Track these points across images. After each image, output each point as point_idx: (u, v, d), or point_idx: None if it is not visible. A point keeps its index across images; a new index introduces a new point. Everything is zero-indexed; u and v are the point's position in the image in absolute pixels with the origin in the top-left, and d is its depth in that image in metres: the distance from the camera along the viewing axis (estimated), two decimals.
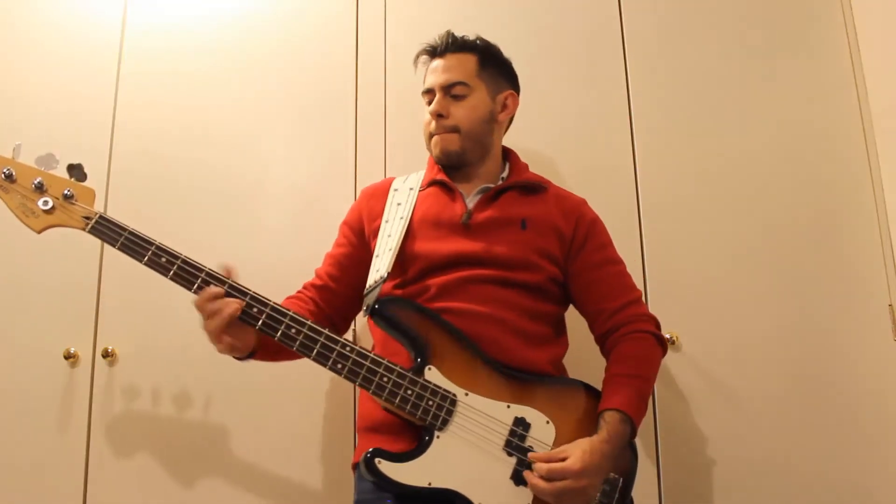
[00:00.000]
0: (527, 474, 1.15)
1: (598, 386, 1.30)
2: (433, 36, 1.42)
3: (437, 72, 1.37)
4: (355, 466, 1.28)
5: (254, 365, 1.59)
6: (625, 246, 1.69)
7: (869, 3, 1.84)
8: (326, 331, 1.17)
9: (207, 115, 1.76)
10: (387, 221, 1.36)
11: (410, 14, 1.82)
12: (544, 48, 1.82)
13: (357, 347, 1.18)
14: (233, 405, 1.60)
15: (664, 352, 1.36)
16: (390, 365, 1.17)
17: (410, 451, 1.15)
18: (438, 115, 1.35)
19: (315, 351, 1.16)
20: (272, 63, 1.79)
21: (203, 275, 1.16)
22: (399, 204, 1.37)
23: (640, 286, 1.66)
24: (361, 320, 1.54)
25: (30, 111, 1.73)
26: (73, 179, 1.22)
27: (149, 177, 1.71)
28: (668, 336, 1.63)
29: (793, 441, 1.62)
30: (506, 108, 1.42)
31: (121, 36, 1.79)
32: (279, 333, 1.15)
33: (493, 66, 1.40)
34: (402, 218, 1.34)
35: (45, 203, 1.18)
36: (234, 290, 1.16)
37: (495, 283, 1.28)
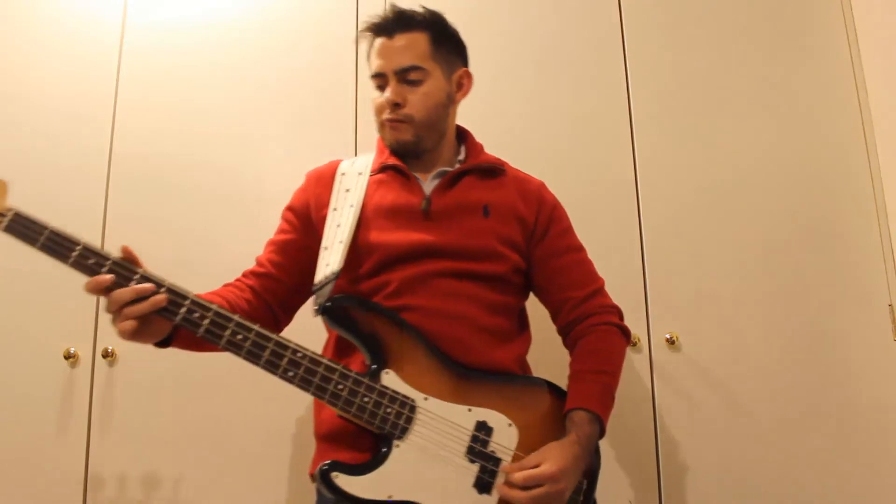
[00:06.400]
0: (500, 486, 1.10)
1: (562, 382, 1.27)
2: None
3: (387, 54, 1.25)
4: (311, 476, 1.21)
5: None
6: (625, 246, 1.70)
7: (869, 3, 1.84)
8: (276, 336, 1.08)
9: (207, 114, 1.76)
10: (335, 210, 1.25)
11: None
12: (545, 49, 1.82)
13: (309, 353, 1.09)
14: (234, 404, 1.60)
15: (628, 341, 1.32)
16: (345, 371, 1.09)
17: (368, 462, 1.08)
18: (394, 104, 1.24)
19: (263, 359, 1.06)
20: (272, 62, 1.79)
21: (137, 276, 1.04)
22: (348, 190, 1.27)
23: (640, 286, 1.67)
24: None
25: (30, 111, 1.73)
26: None
27: (149, 176, 1.71)
28: (668, 336, 1.64)
29: (792, 441, 1.62)
30: (462, 87, 1.33)
31: (121, 35, 1.79)
32: (223, 340, 1.06)
33: (445, 43, 1.29)
34: (351, 206, 1.24)
35: None
36: (174, 294, 1.05)
37: (459, 277, 1.21)
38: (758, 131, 1.79)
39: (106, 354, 1.60)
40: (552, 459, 1.10)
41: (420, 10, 1.28)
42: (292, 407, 1.59)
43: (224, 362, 1.58)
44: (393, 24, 1.25)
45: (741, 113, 1.80)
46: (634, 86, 1.80)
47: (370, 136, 1.74)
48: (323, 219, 1.26)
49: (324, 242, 1.24)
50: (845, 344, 1.68)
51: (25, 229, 1.04)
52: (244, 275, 1.29)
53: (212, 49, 1.79)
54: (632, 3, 1.85)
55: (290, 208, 1.33)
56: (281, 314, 1.29)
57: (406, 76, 1.24)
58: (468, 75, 1.34)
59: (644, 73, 1.81)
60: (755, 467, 1.61)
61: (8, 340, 1.61)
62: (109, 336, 1.62)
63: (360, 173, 1.29)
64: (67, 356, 1.59)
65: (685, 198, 1.75)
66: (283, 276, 1.27)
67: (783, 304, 1.70)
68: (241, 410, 1.60)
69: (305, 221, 1.29)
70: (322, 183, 1.31)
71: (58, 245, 1.04)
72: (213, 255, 1.64)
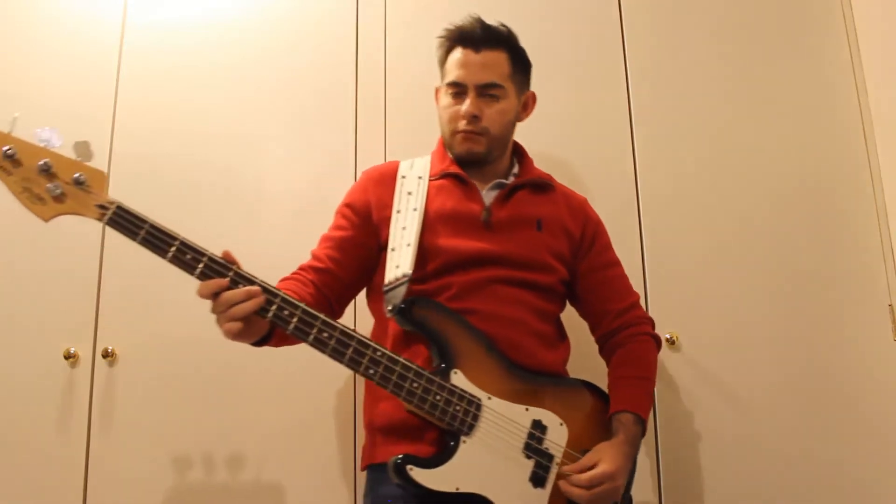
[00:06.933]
0: (562, 484, 1.18)
1: (599, 384, 1.33)
2: (460, 19, 1.36)
3: (471, 67, 1.32)
4: (367, 468, 1.28)
5: (254, 364, 1.59)
6: (625, 245, 1.70)
7: (869, 3, 1.84)
8: (357, 334, 1.14)
9: (207, 114, 1.75)
10: (398, 212, 1.31)
11: (411, 14, 1.82)
12: (545, 48, 1.81)
13: (387, 353, 1.15)
14: (233, 404, 1.60)
15: (659, 349, 1.42)
16: (419, 370, 1.16)
17: (438, 456, 1.16)
18: (473, 116, 1.31)
19: (347, 356, 1.13)
20: (272, 62, 1.79)
21: (231, 274, 1.07)
22: (410, 193, 1.33)
23: (640, 286, 1.68)
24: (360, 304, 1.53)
25: (30, 111, 1.73)
26: (80, 160, 1.06)
27: (149, 176, 1.71)
28: (668, 336, 1.64)
29: (793, 441, 1.62)
30: (527, 108, 1.42)
31: (121, 35, 1.79)
32: (311, 338, 1.11)
33: (520, 64, 1.38)
34: (415, 209, 1.31)
35: (55, 188, 1.03)
36: (266, 292, 1.08)
37: (514, 284, 1.29)
38: (758, 131, 1.79)
39: (106, 354, 1.60)
40: (608, 459, 1.20)
41: (502, 27, 1.36)
42: (292, 408, 1.59)
43: (223, 362, 1.58)
44: (480, 39, 1.32)
45: (741, 113, 1.80)
46: (634, 85, 1.80)
47: (370, 135, 1.75)
48: (386, 219, 1.32)
49: (390, 244, 1.29)
50: (845, 344, 1.69)
51: (127, 223, 1.06)
52: (302, 269, 1.32)
53: (212, 49, 1.79)
54: (632, 3, 1.85)
55: (348, 205, 1.37)
56: (337, 308, 1.34)
57: (486, 91, 1.32)
58: (534, 98, 1.43)
59: (644, 72, 1.81)
60: (755, 467, 1.61)
61: (8, 340, 1.61)
62: (109, 336, 1.62)
63: (419, 177, 1.36)
64: (67, 356, 1.59)
65: (685, 198, 1.75)
66: (341, 272, 1.32)
67: (783, 304, 1.70)
68: (240, 410, 1.60)
69: (366, 220, 1.34)
70: (383, 183, 1.36)
71: (157, 240, 1.06)
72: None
